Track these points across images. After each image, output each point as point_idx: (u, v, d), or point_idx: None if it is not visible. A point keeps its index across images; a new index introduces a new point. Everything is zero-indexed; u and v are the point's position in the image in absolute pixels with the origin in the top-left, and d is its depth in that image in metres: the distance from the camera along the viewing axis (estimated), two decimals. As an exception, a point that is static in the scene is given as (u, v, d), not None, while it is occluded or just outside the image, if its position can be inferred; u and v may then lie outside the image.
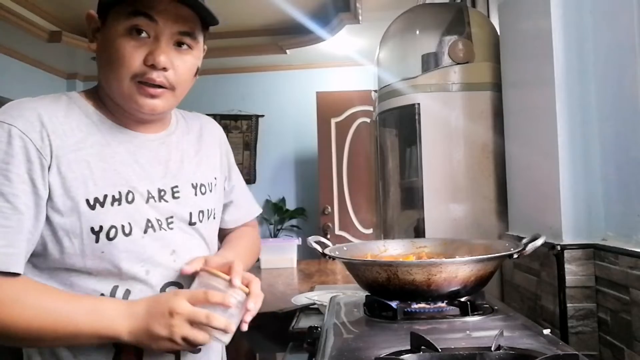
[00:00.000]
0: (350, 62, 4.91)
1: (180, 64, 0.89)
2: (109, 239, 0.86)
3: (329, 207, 4.66)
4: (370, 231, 4.36)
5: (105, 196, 0.87)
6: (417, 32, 2.07)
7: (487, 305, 1.12)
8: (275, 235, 5.00)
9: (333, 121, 4.70)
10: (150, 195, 0.92)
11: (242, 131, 5.23)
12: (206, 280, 0.89)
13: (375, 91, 2.15)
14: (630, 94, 1.10)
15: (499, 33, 1.75)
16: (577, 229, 1.25)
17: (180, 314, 0.81)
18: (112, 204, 0.87)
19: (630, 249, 1.07)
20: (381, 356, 0.80)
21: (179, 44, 0.89)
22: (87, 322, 0.81)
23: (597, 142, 1.24)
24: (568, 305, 1.21)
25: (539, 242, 1.10)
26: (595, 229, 1.23)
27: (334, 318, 1.15)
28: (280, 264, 2.92)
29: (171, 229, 0.94)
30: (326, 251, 1.24)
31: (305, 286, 2.29)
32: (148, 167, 0.94)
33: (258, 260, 3.05)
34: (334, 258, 1.22)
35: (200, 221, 0.99)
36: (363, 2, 3.76)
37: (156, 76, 0.86)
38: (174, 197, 0.96)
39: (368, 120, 4.46)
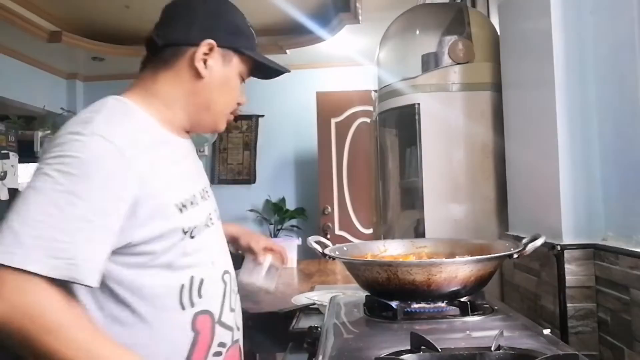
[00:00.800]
0: (350, 62, 4.91)
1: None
2: (191, 237, 0.97)
3: (329, 207, 4.66)
4: (370, 231, 4.36)
5: (186, 199, 0.98)
6: (417, 32, 2.07)
7: (487, 305, 1.12)
8: (275, 235, 5.00)
9: (333, 121, 4.70)
10: (202, 194, 1.05)
11: (242, 131, 5.23)
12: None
13: (375, 91, 2.15)
14: (630, 94, 1.10)
15: (499, 33, 1.76)
16: (577, 229, 1.25)
17: None
18: (192, 205, 0.99)
19: (630, 249, 1.07)
20: (381, 356, 0.80)
21: None
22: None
23: (597, 143, 1.24)
24: (568, 305, 1.22)
25: (539, 242, 1.10)
26: (595, 229, 1.23)
27: (334, 318, 1.15)
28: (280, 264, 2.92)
29: (213, 223, 1.07)
30: (326, 251, 1.24)
31: (305, 286, 2.29)
32: (194, 169, 1.09)
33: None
34: (334, 258, 1.22)
35: (218, 218, 1.13)
36: (363, 2, 3.76)
37: (236, 111, 1.12)
38: (209, 196, 1.10)
39: (368, 120, 4.46)
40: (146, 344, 0.92)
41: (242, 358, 1.11)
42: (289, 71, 1.19)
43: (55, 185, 0.82)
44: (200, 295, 0.98)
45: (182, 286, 0.96)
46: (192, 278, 0.97)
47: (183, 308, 0.95)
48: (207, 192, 1.09)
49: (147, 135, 0.96)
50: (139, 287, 0.91)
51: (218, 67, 1.03)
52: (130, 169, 0.88)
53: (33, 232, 0.79)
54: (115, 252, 0.88)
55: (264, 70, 1.13)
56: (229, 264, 1.09)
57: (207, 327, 0.99)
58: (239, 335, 1.09)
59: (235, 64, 1.05)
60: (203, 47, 1.00)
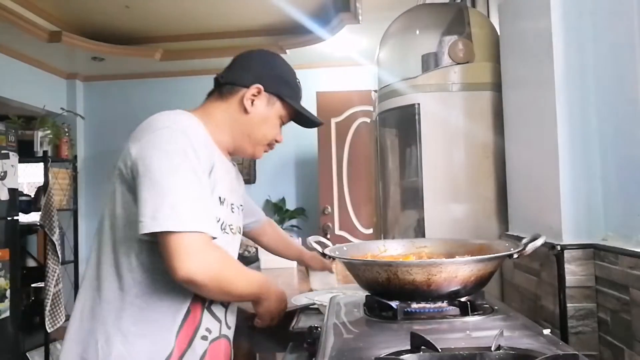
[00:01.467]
0: (350, 62, 4.91)
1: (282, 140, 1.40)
2: (222, 229, 1.23)
3: (329, 207, 4.66)
4: (370, 231, 4.36)
5: (225, 198, 1.25)
6: (417, 32, 2.07)
7: (487, 305, 1.12)
8: (275, 235, 5.00)
9: (333, 121, 4.70)
10: (233, 207, 1.32)
11: (242, 131, 5.24)
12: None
13: (375, 91, 2.15)
14: (630, 94, 1.10)
15: (499, 33, 1.75)
16: (577, 229, 1.25)
17: (285, 301, 1.37)
18: (228, 206, 1.28)
19: (630, 249, 1.07)
20: (381, 356, 0.80)
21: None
22: (260, 281, 1.28)
23: (597, 142, 1.24)
24: (568, 305, 1.22)
25: (539, 242, 1.10)
26: (595, 229, 1.23)
27: (334, 318, 1.15)
28: (280, 264, 2.91)
29: (234, 233, 1.31)
30: (326, 251, 1.24)
31: (305, 286, 2.28)
32: (233, 185, 1.36)
33: (258, 260, 3.05)
34: (334, 258, 1.22)
35: (239, 233, 1.38)
36: (363, 2, 3.76)
37: (273, 146, 1.38)
38: (239, 213, 1.37)
39: (368, 120, 4.46)
40: (154, 310, 1.14)
41: (231, 357, 1.33)
42: (323, 124, 1.47)
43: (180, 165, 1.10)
44: None
45: None
46: None
47: (182, 288, 1.14)
48: (239, 208, 1.36)
49: (210, 143, 1.24)
50: (156, 263, 1.12)
51: (262, 107, 1.29)
52: (209, 161, 1.18)
53: (186, 203, 1.07)
54: None
55: (303, 120, 1.38)
56: None
57: (197, 310, 1.20)
58: (227, 331, 1.29)
59: (277, 107, 1.31)
60: (252, 89, 1.28)
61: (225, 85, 1.30)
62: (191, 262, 1.04)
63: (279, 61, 1.36)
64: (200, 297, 1.19)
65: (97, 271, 1.18)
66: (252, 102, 1.28)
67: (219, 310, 1.25)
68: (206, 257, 1.07)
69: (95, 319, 1.14)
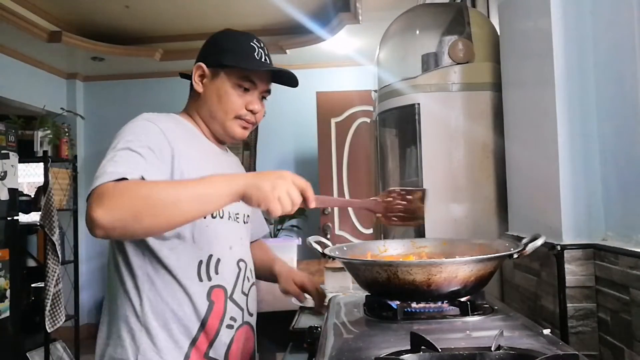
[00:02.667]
0: (350, 62, 4.91)
1: (261, 110, 1.32)
2: (212, 217, 1.21)
3: (329, 207, 4.66)
4: (370, 231, 4.37)
5: None
6: (417, 32, 2.07)
7: (487, 305, 1.12)
8: (275, 235, 5.00)
9: (333, 121, 4.70)
10: None
11: (242, 131, 5.24)
12: None
13: (375, 91, 2.15)
14: (630, 94, 1.10)
15: (499, 33, 1.75)
16: (577, 229, 1.25)
17: (286, 177, 1.06)
18: None
19: (630, 249, 1.07)
20: (381, 356, 0.80)
21: (262, 98, 1.32)
22: (220, 180, 1.04)
23: (597, 142, 1.24)
24: (568, 305, 1.21)
25: (539, 242, 1.10)
26: (595, 229, 1.23)
27: (334, 318, 1.15)
28: (280, 264, 2.91)
29: (237, 221, 1.30)
30: (326, 251, 1.24)
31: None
32: (225, 170, 1.31)
33: (258, 260, 3.05)
34: (334, 258, 1.22)
35: (245, 222, 1.35)
36: (363, 2, 3.76)
37: (250, 117, 1.29)
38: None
39: (368, 120, 4.46)
40: (173, 303, 1.16)
41: (255, 343, 1.34)
42: (291, 73, 1.33)
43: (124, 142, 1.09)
44: (217, 272, 1.21)
45: (201, 262, 1.20)
46: (210, 256, 1.21)
47: (201, 280, 1.19)
48: None
49: (184, 131, 1.25)
50: (168, 258, 1.16)
51: (209, 83, 1.27)
52: (167, 142, 1.15)
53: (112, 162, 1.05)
54: None
55: (277, 77, 1.32)
56: (246, 256, 1.32)
57: (220, 300, 1.22)
58: (250, 319, 1.30)
59: (223, 76, 1.26)
60: (195, 69, 1.28)
61: (190, 82, 1.32)
62: (97, 209, 0.95)
63: (224, 34, 1.32)
64: (221, 286, 1.21)
65: (111, 272, 1.21)
66: (201, 82, 1.28)
67: (240, 299, 1.27)
68: (114, 194, 0.97)
69: (119, 318, 1.17)
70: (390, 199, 1.26)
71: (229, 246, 1.26)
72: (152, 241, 1.16)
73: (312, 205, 1.12)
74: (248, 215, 1.38)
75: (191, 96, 1.33)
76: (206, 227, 1.20)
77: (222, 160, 1.34)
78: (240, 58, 1.26)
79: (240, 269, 1.28)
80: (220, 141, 1.34)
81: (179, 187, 1.04)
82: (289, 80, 1.33)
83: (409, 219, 1.23)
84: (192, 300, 1.17)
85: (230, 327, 1.23)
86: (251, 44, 1.28)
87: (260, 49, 1.29)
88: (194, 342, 1.17)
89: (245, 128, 1.30)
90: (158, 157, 1.11)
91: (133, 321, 1.16)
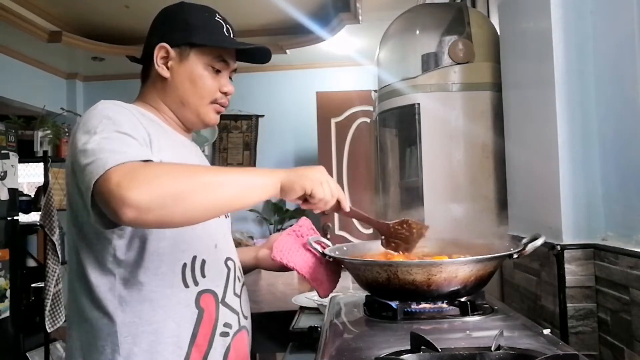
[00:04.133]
0: (350, 62, 4.91)
1: (232, 92, 1.19)
2: None
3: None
4: (370, 231, 4.36)
5: None
6: (417, 32, 2.07)
7: (487, 305, 1.12)
8: (275, 236, 5.00)
9: (333, 121, 4.70)
10: None
11: (242, 131, 5.23)
12: None
13: (375, 91, 2.15)
14: (630, 94, 1.10)
15: (499, 33, 1.75)
16: (577, 229, 1.25)
17: (324, 171, 1.06)
18: None
19: (630, 249, 1.07)
20: (381, 356, 0.80)
21: (229, 77, 1.18)
22: (260, 170, 0.99)
23: (597, 142, 1.24)
24: (568, 305, 1.21)
25: (539, 242, 1.10)
26: (595, 229, 1.23)
27: (334, 318, 1.15)
28: (280, 264, 2.92)
29: (218, 217, 1.12)
30: (326, 251, 1.24)
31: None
32: (196, 162, 1.18)
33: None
34: (334, 258, 1.22)
35: (227, 216, 1.22)
36: (363, 2, 3.76)
37: (224, 100, 1.16)
38: None
39: (368, 120, 4.46)
40: (153, 321, 1.00)
41: (249, 346, 1.18)
42: (266, 48, 1.20)
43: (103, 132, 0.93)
44: (203, 275, 1.07)
45: (185, 265, 1.04)
46: (194, 258, 1.06)
47: (187, 286, 1.04)
48: None
49: (149, 120, 1.09)
50: (145, 267, 1.00)
51: (177, 65, 1.11)
52: (143, 128, 1.01)
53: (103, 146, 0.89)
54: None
55: (246, 55, 1.18)
56: (232, 254, 1.17)
57: (211, 305, 1.07)
58: (245, 322, 1.16)
59: (194, 57, 1.11)
60: (157, 51, 1.11)
61: (143, 64, 1.16)
62: (131, 187, 0.82)
63: (181, 7, 1.15)
64: (211, 291, 1.07)
65: (75, 301, 1.03)
66: (166, 66, 1.11)
67: (233, 302, 1.12)
68: (150, 173, 0.86)
69: (92, 353, 1.00)
70: (399, 227, 1.24)
71: (214, 244, 1.11)
72: (124, 254, 0.99)
73: (347, 209, 1.08)
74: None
75: (150, 82, 1.15)
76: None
77: (192, 151, 1.20)
78: (212, 36, 1.12)
79: (229, 269, 1.13)
80: (187, 129, 1.19)
81: (220, 171, 0.96)
82: (263, 57, 1.20)
83: (403, 248, 1.23)
84: (177, 312, 1.02)
85: (225, 334, 1.08)
86: (216, 19, 1.14)
87: (227, 24, 1.15)
88: (186, 359, 1.02)
89: (219, 112, 1.17)
90: (142, 144, 0.98)
91: (109, 352, 0.98)
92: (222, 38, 1.13)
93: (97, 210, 0.87)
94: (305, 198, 1.02)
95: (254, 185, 0.95)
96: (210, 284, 1.07)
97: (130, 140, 0.93)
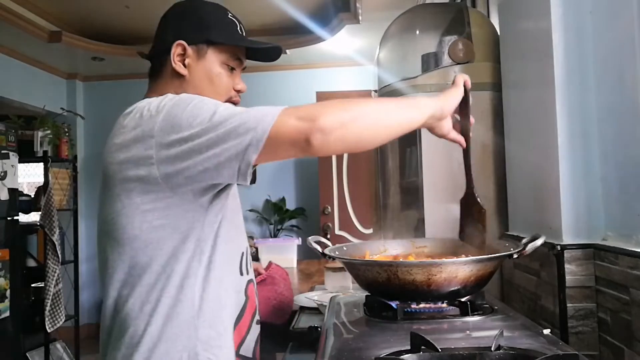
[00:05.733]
0: (350, 62, 4.91)
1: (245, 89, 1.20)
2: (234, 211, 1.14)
3: (329, 207, 4.66)
4: (370, 231, 4.36)
5: None
6: (417, 32, 2.07)
7: (487, 305, 1.12)
8: (275, 235, 5.00)
9: (333, 121, 4.69)
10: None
11: (242, 131, 5.23)
12: None
13: (375, 91, 2.15)
14: (630, 94, 1.10)
15: (499, 33, 1.75)
16: (577, 229, 1.25)
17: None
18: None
19: (630, 249, 1.07)
20: (381, 356, 0.80)
21: None
22: (414, 101, 1.14)
23: (597, 142, 1.24)
24: (568, 305, 1.22)
25: (539, 242, 1.10)
26: (595, 229, 1.23)
27: (334, 318, 1.15)
28: (280, 264, 2.92)
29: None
30: (326, 251, 1.24)
31: (305, 286, 2.29)
32: None
33: (258, 260, 3.05)
34: (334, 258, 1.22)
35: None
36: (363, 2, 3.76)
37: (237, 98, 1.18)
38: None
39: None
40: (217, 299, 1.03)
41: None
42: (280, 47, 1.21)
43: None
44: (249, 265, 1.16)
45: (242, 254, 1.14)
46: (246, 248, 1.17)
47: (242, 274, 1.12)
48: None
49: None
50: (222, 252, 1.04)
51: (195, 63, 1.11)
52: None
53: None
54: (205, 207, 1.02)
55: (256, 53, 1.19)
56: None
57: (253, 295, 1.15)
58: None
59: (211, 55, 1.12)
60: (175, 48, 1.10)
61: (154, 61, 1.15)
62: (317, 115, 0.92)
63: (196, 4, 1.16)
64: (252, 280, 1.15)
65: (142, 298, 1.00)
66: (182, 63, 1.11)
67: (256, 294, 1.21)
68: (322, 107, 0.95)
69: (165, 339, 0.99)
70: (477, 211, 1.24)
71: (245, 239, 1.20)
72: (212, 239, 1.02)
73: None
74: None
75: (164, 79, 1.13)
76: (240, 217, 1.16)
77: None
78: (229, 34, 1.13)
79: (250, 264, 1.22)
80: None
81: (384, 101, 1.12)
82: (271, 55, 1.21)
83: (479, 242, 1.22)
84: (233, 297, 1.08)
85: (258, 322, 1.16)
86: (229, 17, 1.16)
87: (239, 24, 1.17)
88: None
89: None
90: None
91: (185, 337, 0.99)
92: (238, 37, 1.15)
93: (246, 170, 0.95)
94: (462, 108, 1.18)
95: (418, 108, 1.07)
96: (252, 274, 1.17)
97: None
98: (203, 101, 0.97)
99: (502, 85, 1.69)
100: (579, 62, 1.26)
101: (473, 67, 1.79)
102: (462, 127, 1.19)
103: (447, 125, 1.14)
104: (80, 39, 4.39)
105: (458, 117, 1.19)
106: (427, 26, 2.04)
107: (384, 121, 0.99)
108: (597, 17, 1.24)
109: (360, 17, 3.92)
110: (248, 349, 1.11)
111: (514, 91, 1.62)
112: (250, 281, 1.14)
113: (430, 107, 1.08)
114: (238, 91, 1.17)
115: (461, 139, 1.20)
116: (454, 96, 1.14)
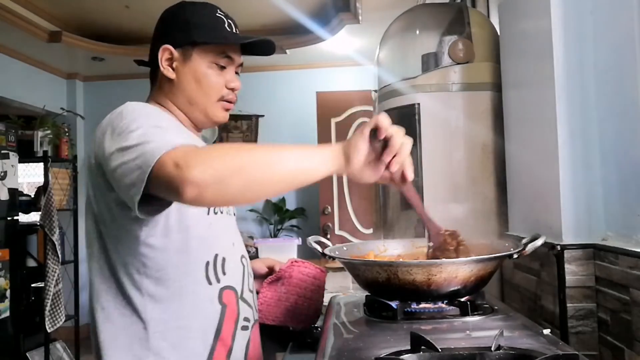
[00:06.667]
0: (350, 62, 4.91)
1: (240, 87, 1.19)
2: (214, 212, 1.11)
3: (329, 207, 4.66)
4: (370, 231, 4.36)
5: None
6: (417, 32, 2.07)
7: (487, 305, 1.12)
8: (275, 235, 5.00)
9: (333, 121, 4.70)
10: None
11: (242, 131, 5.23)
12: None
13: (375, 91, 2.15)
14: (630, 94, 1.10)
15: (499, 33, 1.76)
16: (577, 229, 1.25)
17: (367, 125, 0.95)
18: None
19: (630, 249, 1.07)
20: (381, 356, 0.80)
21: (236, 72, 1.18)
22: (314, 149, 0.94)
23: (597, 142, 1.24)
24: (568, 305, 1.22)
25: (539, 242, 1.10)
26: (595, 229, 1.23)
27: (334, 318, 1.15)
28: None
29: (230, 214, 1.19)
30: (326, 251, 1.24)
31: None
32: None
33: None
34: (334, 258, 1.22)
35: (235, 214, 1.24)
36: (363, 2, 3.76)
37: (232, 96, 1.17)
38: None
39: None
40: (182, 316, 1.04)
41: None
42: (269, 40, 1.18)
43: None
44: (224, 273, 1.11)
45: (207, 263, 1.09)
46: (216, 256, 1.10)
47: (210, 283, 1.08)
48: None
49: (167, 120, 1.11)
50: (174, 265, 1.04)
51: (182, 66, 1.12)
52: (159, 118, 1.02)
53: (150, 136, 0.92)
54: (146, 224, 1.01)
55: (250, 48, 1.17)
56: (244, 251, 1.22)
57: (232, 301, 1.11)
58: (257, 315, 1.22)
59: (197, 56, 1.12)
60: (161, 53, 1.12)
61: (151, 68, 1.18)
62: (191, 166, 0.83)
63: (182, 6, 1.16)
64: (232, 287, 1.11)
65: (100, 300, 1.06)
66: (171, 67, 1.12)
67: (249, 297, 1.17)
68: (208, 153, 0.88)
69: (117, 349, 1.03)
70: (449, 238, 1.15)
71: (232, 243, 1.16)
72: (150, 251, 1.03)
73: (410, 177, 0.97)
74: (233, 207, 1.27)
75: (158, 84, 1.16)
76: (209, 224, 1.10)
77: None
78: (214, 33, 1.12)
79: (244, 266, 1.18)
80: (197, 128, 1.20)
81: (278, 147, 0.93)
82: (267, 49, 1.19)
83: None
84: (203, 307, 1.07)
85: (245, 328, 1.13)
86: (217, 15, 1.14)
87: (228, 20, 1.15)
88: (211, 353, 1.06)
89: (227, 109, 1.18)
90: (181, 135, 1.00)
91: (137, 348, 1.02)
92: (223, 34, 1.13)
93: (144, 200, 0.89)
94: (382, 150, 0.94)
95: (314, 157, 0.91)
96: (231, 280, 1.12)
97: (171, 131, 0.96)
98: (119, 124, 0.97)
99: (502, 85, 1.69)
100: (579, 62, 1.26)
101: (473, 67, 1.79)
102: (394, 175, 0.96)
103: (368, 174, 0.95)
104: (80, 39, 4.39)
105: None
106: (427, 26, 2.04)
107: (276, 174, 0.88)
108: (597, 17, 1.24)
109: (360, 17, 3.92)
110: (238, 356, 1.10)
111: (514, 91, 1.62)
112: (226, 288, 1.10)
113: (335, 160, 0.91)
114: (232, 89, 1.16)
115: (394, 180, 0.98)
116: (357, 147, 0.92)
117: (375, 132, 0.94)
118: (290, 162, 0.89)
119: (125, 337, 1.03)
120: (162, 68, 1.12)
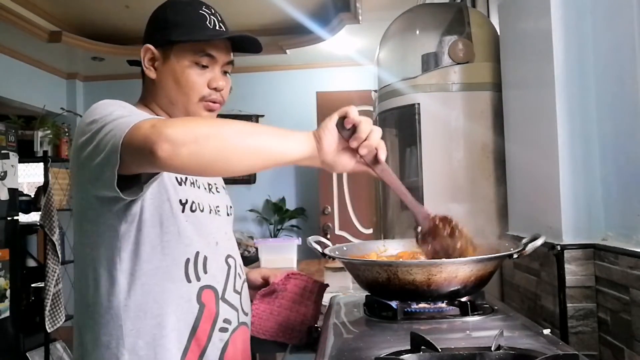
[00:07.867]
0: (350, 62, 4.91)
1: (226, 86, 1.16)
2: (191, 210, 1.09)
3: (329, 207, 4.66)
4: (370, 231, 4.36)
5: (186, 178, 1.11)
6: (417, 32, 2.07)
7: (487, 305, 1.12)
8: (275, 235, 5.00)
9: (333, 121, 4.70)
10: (207, 187, 1.18)
11: (242, 131, 5.23)
12: None
13: (375, 91, 2.15)
14: (630, 94, 1.10)
15: (499, 33, 1.76)
16: (577, 229, 1.25)
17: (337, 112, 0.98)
18: (192, 186, 1.12)
19: (630, 249, 1.07)
20: (381, 356, 0.80)
21: (224, 72, 1.16)
22: (289, 130, 0.92)
23: (597, 142, 1.24)
24: (568, 305, 1.22)
25: (539, 242, 1.10)
26: (595, 229, 1.23)
27: (334, 318, 1.15)
28: (280, 264, 2.92)
29: (219, 214, 1.18)
30: (326, 251, 1.24)
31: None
32: None
33: (258, 260, 3.06)
34: (334, 258, 1.22)
35: (229, 214, 1.24)
36: (363, 2, 3.76)
37: (216, 96, 1.13)
38: (217, 191, 1.22)
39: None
40: (157, 314, 1.03)
41: (249, 343, 1.21)
42: (249, 36, 1.15)
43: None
44: (205, 271, 1.09)
45: (188, 260, 1.07)
46: (197, 254, 1.09)
47: (189, 281, 1.07)
48: (216, 188, 1.22)
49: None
50: (149, 262, 1.03)
51: (162, 65, 1.12)
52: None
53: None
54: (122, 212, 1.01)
55: (238, 45, 1.16)
56: (234, 251, 1.19)
57: (211, 301, 1.09)
58: (245, 319, 1.19)
59: (176, 55, 1.11)
60: (143, 53, 1.13)
61: (140, 69, 1.17)
62: (166, 127, 0.82)
63: (167, 7, 1.14)
64: (211, 287, 1.09)
65: (82, 295, 1.07)
66: (153, 67, 1.13)
67: (233, 298, 1.14)
68: (179, 119, 0.90)
69: (98, 348, 1.03)
70: (440, 224, 1.09)
71: (215, 242, 1.14)
72: (131, 245, 1.03)
73: (383, 158, 0.97)
74: (231, 207, 1.26)
75: (144, 84, 1.17)
76: (185, 221, 1.07)
77: None
78: (191, 30, 1.10)
79: (229, 266, 1.15)
80: None
81: (255, 124, 0.95)
82: (252, 46, 1.16)
83: (442, 254, 1.06)
84: (179, 305, 1.05)
85: (224, 330, 1.11)
86: (200, 12, 1.12)
87: (212, 16, 1.12)
88: (185, 352, 1.05)
89: (211, 110, 1.14)
90: None
91: (114, 346, 1.02)
92: (201, 32, 1.10)
93: (122, 183, 0.89)
94: (350, 137, 0.94)
95: (288, 137, 0.91)
96: (211, 280, 1.10)
97: (145, 115, 0.94)
98: (93, 114, 0.97)
99: (502, 85, 1.69)
100: (579, 62, 1.26)
101: (473, 67, 1.79)
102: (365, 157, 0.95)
103: (343, 162, 0.95)
104: (80, 39, 4.39)
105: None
106: (427, 26, 2.04)
107: (251, 145, 0.87)
108: (597, 17, 1.24)
109: (360, 17, 3.92)
110: (211, 358, 1.08)
111: (514, 91, 1.62)
112: (206, 287, 1.09)
113: (308, 143, 0.91)
114: (215, 89, 1.12)
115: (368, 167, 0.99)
116: (325, 129, 0.94)
117: (343, 121, 0.96)
118: (266, 136, 0.89)
119: (104, 335, 1.03)
120: (144, 68, 1.13)
